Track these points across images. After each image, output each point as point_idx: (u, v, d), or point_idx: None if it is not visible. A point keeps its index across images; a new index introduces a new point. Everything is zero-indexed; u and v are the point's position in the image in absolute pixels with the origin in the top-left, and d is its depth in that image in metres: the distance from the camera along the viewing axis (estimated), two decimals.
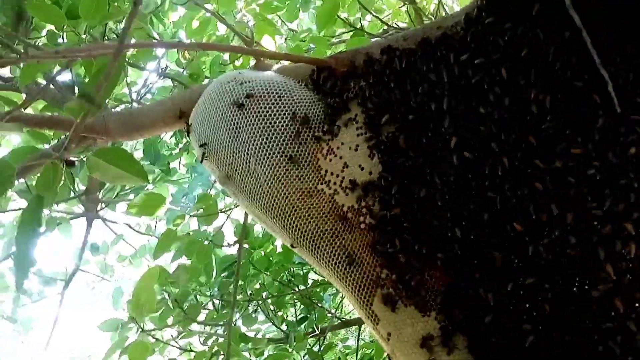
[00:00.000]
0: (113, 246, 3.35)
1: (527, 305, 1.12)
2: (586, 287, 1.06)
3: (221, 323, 2.59)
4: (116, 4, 1.92)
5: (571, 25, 1.01)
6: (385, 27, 2.93)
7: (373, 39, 1.46)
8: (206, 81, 2.48)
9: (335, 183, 1.39)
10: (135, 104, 2.44)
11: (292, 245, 1.40)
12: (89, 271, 3.52)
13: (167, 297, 2.26)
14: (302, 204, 1.38)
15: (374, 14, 2.37)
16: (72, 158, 1.11)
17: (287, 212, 1.38)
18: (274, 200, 1.40)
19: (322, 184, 1.39)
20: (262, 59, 1.61)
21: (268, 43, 2.23)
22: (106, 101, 2.08)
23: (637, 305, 1.03)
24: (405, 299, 1.25)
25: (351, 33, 2.54)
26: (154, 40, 1.79)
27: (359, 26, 2.49)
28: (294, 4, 2.27)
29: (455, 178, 1.20)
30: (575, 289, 1.06)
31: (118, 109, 2.72)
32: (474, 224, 1.17)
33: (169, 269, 2.63)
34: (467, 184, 1.18)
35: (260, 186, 1.41)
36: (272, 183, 1.40)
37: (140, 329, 1.86)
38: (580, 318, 1.06)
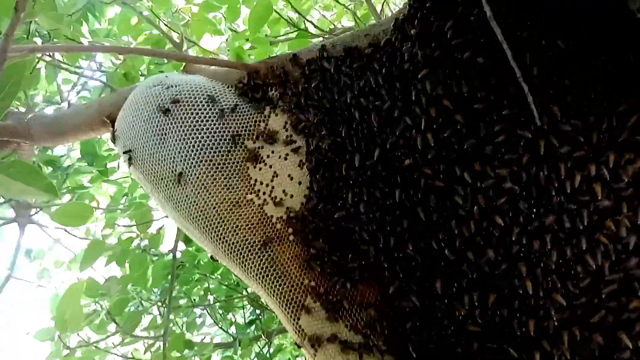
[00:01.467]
0: (49, 251, 3.20)
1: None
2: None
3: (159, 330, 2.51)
4: None
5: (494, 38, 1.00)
6: (332, 27, 2.91)
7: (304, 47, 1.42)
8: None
9: (264, 193, 1.35)
10: (65, 104, 2.32)
11: (211, 258, 1.36)
12: (24, 278, 3.36)
13: (100, 308, 2.17)
14: (230, 214, 1.33)
15: (308, 19, 2.33)
16: None
17: (214, 223, 1.33)
18: (201, 211, 1.34)
19: (251, 193, 1.35)
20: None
21: (206, 43, 2.17)
22: (30, 102, 1.97)
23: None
24: (331, 312, 1.22)
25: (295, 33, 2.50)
26: (74, 44, 1.69)
27: (302, 27, 2.45)
28: (235, 3, 2.20)
29: (380, 190, 1.17)
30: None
31: (49, 109, 2.60)
32: (398, 235, 1.15)
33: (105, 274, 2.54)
34: (392, 195, 1.15)
35: (186, 196, 1.36)
36: (199, 192, 1.35)
37: (66, 347, 1.77)
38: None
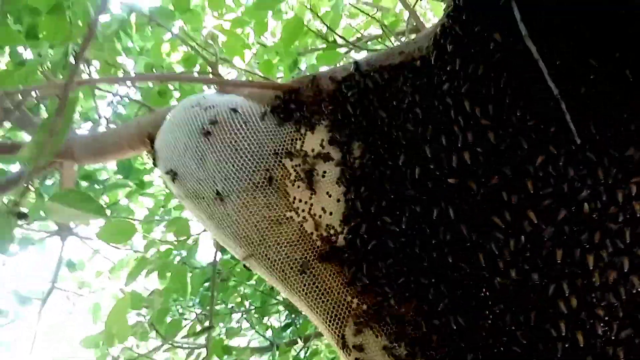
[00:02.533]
0: (89, 261, 3.30)
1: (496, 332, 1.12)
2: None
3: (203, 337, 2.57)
4: (80, 22, 1.87)
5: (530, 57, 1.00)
6: (359, 35, 2.91)
7: (339, 65, 1.43)
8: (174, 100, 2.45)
9: (303, 210, 1.37)
10: (103, 121, 2.39)
11: (245, 266, 1.39)
12: (65, 288, 3.46)
13: (143, 319, 2.24)
14: (270, 232, 1.36)
15: (338, 34, 2.34)
16: (22, 210, 1.07)
17: (255, 241, 1.36)
18: (243, 229, 1.37)
19: (290, 211, 1.37)
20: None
21: (238, 61, 2.20)
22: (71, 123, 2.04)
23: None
24: (376, 329, 1.24)
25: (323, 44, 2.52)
26: (106, 76, 1.75)
27: (331, 38, 2.46)
28: (262, 16, 2.23)
29: (419, 209, 1.18)
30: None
31: (86, 125, 2.68)
32: (442, 256, 1.15)
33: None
34: (430, 216, 1.16)
35: (228, 214, 1.39)
36: (239, 211, 1.37)
37: (112, 358, 1.83)
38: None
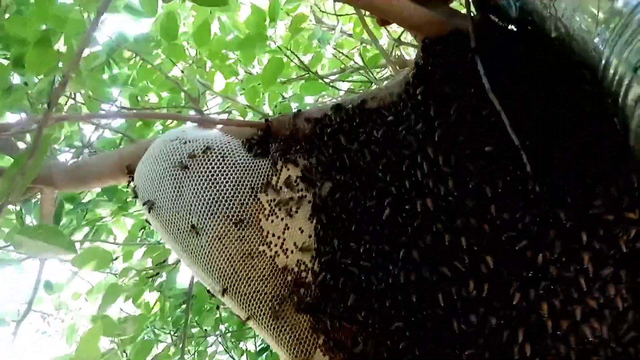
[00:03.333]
0: (67, 284, 3.29)
1: None
2: None
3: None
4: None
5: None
6: (343, 66, 3.00)
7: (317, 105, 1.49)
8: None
9: (276, 245, 1.41)
10: (86, 150, 2.42)
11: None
12: (41, 311, 3.44)
13: (115, 347, 2.24)
14: (243, 265, 1.40)
15: (313, 72, 2.41)
16: None
17: (227, 274, 1.39)
18: (216, 262, 1.40)
19: (263, 245, 1.41)
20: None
21: (220, 84, 2.26)
22: (52, 147, 2.07)
23: None
24: None
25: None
26: (84, 113, 1.79)
27: (313, 69, 2.55)
28: (249, 51, 2.30)
29: (386, 249, 1.23)
30: None
31: (71, 151, 2.70)
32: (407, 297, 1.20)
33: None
34: (397, 256, 1.21)
35: (202, 247, 1.42)
36: (213, 244, 1.41)
37: None
38: None
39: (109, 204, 3.06)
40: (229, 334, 3.67)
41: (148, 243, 2.80)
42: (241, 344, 3.94)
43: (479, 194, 1.14)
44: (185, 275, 3.12)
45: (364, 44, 2.95)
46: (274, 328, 1.34)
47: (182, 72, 2.18)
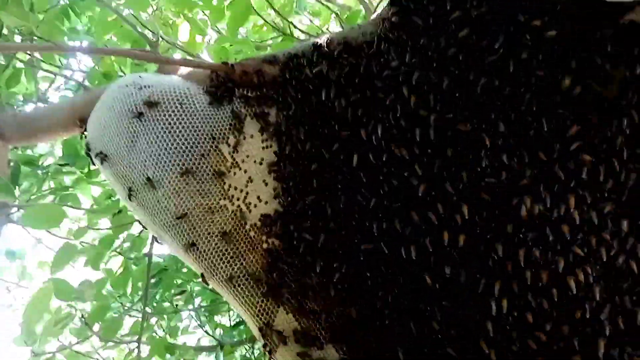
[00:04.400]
0: (32, 251, 3.15)
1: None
2: None
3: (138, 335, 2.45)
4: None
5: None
6: (320, 32, 2.86)
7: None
8: None
9: (238, 199, 1.31)
10: (40, 104, 2.26)
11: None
12: (5, 279, 3.30)
13: (74, 312, 2.11)
14: (202, 221, 1.29)
15: (294, 24, 2.28)
16: None
17: (186, 230, 1.28)
18: (173, 217, 1.29)
19: (224, 199, 1.30)
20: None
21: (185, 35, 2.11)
22: (7, 101, 1.92)
23: None
24: (304, 325, 1.18)
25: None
26: (50, 44, 1.63)
27: (288, 32, 2.41)
28: (220, 4, 2.15)
29: (357, 198, 1.13)
30: None
31: (28, 107, 2.54)
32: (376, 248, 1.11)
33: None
34: (367, 207, 1.11)
35: (158, 201, 1.31)
36: (170, 197, 1.30)
37: (33, 354, 1.71)
38: None
39: (72, 171, 2.91)
40: (202, 309, 3.57)
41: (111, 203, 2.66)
42: (215, 318, 3.85)
43: (458, 140, 1.04)
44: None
45: (339, 9, 2.82)
46: (234, 285, 1.24)
47: (142, 23, 2.02)
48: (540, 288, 0.96)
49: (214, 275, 1.26)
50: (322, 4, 2.81)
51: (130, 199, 1.36)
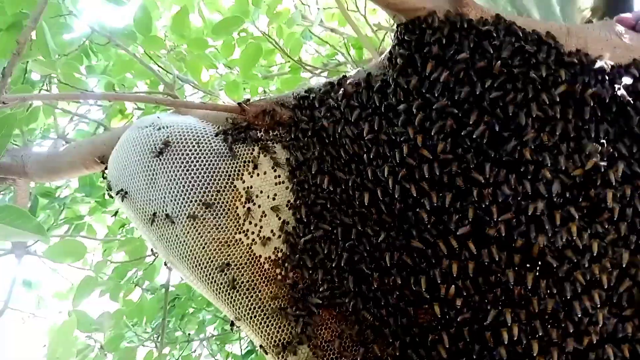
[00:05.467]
0: (47, 281, 3.22)
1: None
2: None
3: None
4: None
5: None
6: (326, 62, 2.96)
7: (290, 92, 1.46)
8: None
9: (253, 232, 1.37)
10: (61, 141, 2.36)
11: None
12: (20, 309, 3.36)
13: (93, 343, 2.16)
14: (219, 254, 1.35)
15: (295, 60, 2.38)
16: None
17: (203, 263, 1.34)
18: (191, 250, 1.36)
19: (240, 233, 1.36)
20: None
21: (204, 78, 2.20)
22: (26, 138, 2.01)
23: None
24: (317, 353, 1.23)
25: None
26: (66, 90, 1.73)
27: (297, 58, 2.51)
28: (229, 40, 2.25)
29: (369, 232, 1.20)
30: None
31: (46, 143, 2.63)
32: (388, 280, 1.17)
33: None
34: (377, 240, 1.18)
35: (176, 235, 1.37)
36: (188, 232, 1.36)
37: None
38: None
39: (87, 201, 3.00)
40: (213, 337, 3.61)
41: (128, 238, 2.73)
42: (227, 347, 3.88)
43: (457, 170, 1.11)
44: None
45: (345, 38, 2.92)
46: (251, 317, 1.29)
47: (158, 63, 2.12)
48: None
49: (232, 307, 1.31)
50: (322, 41, 2.92)
51: (149, 233, 1.43)
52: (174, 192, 1.38)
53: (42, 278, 3.33)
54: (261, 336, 1.29)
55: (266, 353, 1.29)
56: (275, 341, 1.27)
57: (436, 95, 1.11)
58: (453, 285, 1.06)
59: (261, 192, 1.40)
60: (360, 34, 2.04)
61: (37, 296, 3.37)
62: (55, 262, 1.69)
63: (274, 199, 1.39)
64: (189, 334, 3.17)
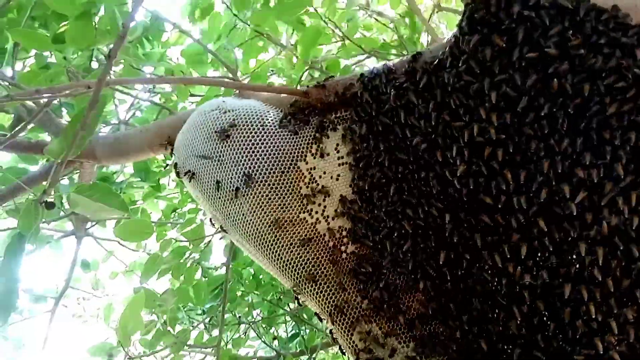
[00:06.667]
0: (104, 262, 3.35)
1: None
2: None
3: (212, 345, 2.58)
4: (108, 27, 1.92)
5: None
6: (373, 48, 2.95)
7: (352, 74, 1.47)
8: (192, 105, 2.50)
9: (317, 212, 1.41)
10: (122, 125, 2.45)
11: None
12: (80, 288, 3.52)
13: (156, 319, 2.26)
14: (284, 232, 1.39)
15: (352, 40, 2.38)
16: (50, 199, 1.12)
17: (269, 241, 1.39)
18: (257, 229, 1.40)
19: (304, 212, 1.40)
20: None
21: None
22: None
23: None
24: (384, 329, 1.26)
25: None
26: (134, 77, 1.80)
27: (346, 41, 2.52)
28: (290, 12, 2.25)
29: (433, 213, 1.22)
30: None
31: (106, 129, 2.73)
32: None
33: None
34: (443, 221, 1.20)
35: (243, 215, 1.42)
36: (255, 211, 1.41)
37: (129, 357, 1.85)
38: None
39: (141, 186, 3.10)
40: (260, 320, 3.68)
41: (181, 222, 2.82)
42: (272, 330, 3.96)
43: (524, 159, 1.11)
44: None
45: (394, 22, 2.90)
46: (315, 293, 1.33)
47: (206, 47, 2.15)
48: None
49: (298, 284, 1.35)
50: (376, 20, 2.92)
51: (216, 212, 1.49)
52: (240, 173, 1.43)
53: (98, 259, 3.46)
54: (328, 311, 1.33)
55: (321, 320, 1.34)
56: (341, 315, 1.31)
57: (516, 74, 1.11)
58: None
59: (324, 172, 1.43)
60: (420, 15, 2.03)
61: (94, 277, 3.52)
62: (124, 240, 1.77)
63: (337, 179, 1.42)
64: (239, 317, 3.25)
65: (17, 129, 1.53)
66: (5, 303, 1.06)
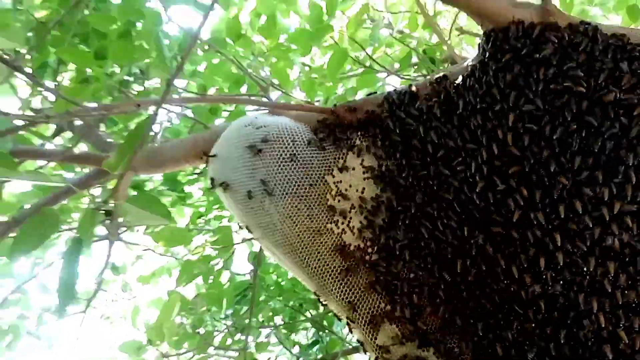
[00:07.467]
0: (132, 266, 3.49)
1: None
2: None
3: (235, 349, 2.69)
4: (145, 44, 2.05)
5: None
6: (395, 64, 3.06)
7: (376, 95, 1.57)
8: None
9: (343, 223, 1.50)
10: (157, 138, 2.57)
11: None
12: (109, 290, 3.66)
13: (184, 322, 2.37)
14: (312, 241, 1.49)
15: (377, 62, 2.48)
16: (109, 208, 1.23)
17: (298, 249, 1.49)
18: (286, 238, 1.50)
19: (331, 223, 1.50)
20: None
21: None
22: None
23: None
24: (407, 333, 1.35)
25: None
26: (173, 97, 1.92)
27: (368, 64, 2.62)
28: (306, 40, 2.38)
29: (454, 225, 1.30)
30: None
31: None
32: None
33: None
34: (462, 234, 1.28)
35: (274, 224, 1.52)
36: (285, 221, 1.51)
37: (161, 354, 1.96)
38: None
39: (169, 194, 3.23)
40: (281, 326, 3.76)
41: (208, 229, 2.94)
42: (293, 336, 4.03)
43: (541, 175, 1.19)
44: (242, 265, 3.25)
45: (414, 40, 3.01)
46: (342, 298, 1.42)
47: (242, 66, 2.28)
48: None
49: (324, 290, 1.45)
50: (395, 39, 3.02)
51: (248, 221, 1.59)
52: (271, 184, 1.53)
53: (126, 263, 3.60)
54: (352, 317, 1.42)
55: (340, 320, 1.43)
56: (365, 321, 1.40)
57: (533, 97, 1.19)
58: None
59: (350, 186, 1.53)
60: (441, 36, 2.13)
61: (123, 280, 3.65)
62: (164, 246, 1.88)
63: (362, 192, 1.52)
64: (262, 322, 3.35)
65: (74, 144, 1.65)
66: (66, 295, 1.19)
